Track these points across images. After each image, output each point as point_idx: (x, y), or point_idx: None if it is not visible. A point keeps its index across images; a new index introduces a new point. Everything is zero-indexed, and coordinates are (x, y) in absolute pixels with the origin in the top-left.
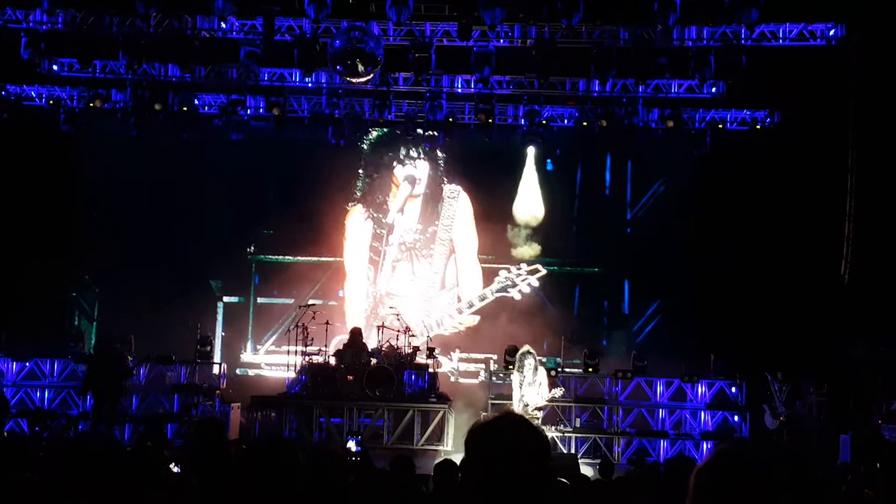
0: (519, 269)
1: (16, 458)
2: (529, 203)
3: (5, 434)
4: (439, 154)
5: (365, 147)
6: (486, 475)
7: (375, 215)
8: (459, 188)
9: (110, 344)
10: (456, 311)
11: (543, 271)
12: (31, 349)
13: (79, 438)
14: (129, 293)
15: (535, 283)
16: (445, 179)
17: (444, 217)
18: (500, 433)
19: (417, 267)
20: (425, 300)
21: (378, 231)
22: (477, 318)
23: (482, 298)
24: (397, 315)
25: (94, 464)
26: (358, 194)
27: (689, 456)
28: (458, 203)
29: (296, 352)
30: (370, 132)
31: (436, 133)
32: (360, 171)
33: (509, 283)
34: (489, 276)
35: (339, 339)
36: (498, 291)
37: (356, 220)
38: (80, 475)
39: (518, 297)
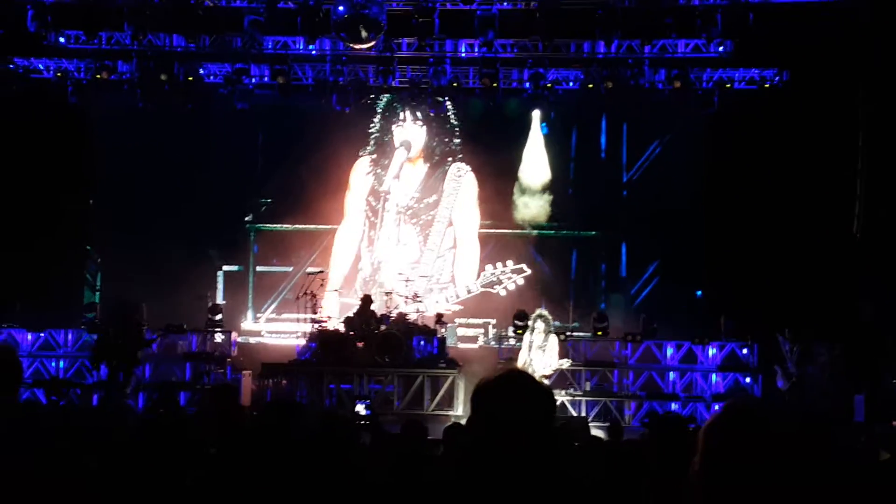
0: (505, 266)
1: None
2: (536, 166)
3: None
4: (450, 119)
5: (378, 107)
6: (491, 432)
7: (379, 172)
8: (468, 168)
9: (124, 312)
10: (445, 299)
11: (528, 271)
12: (45, 319)
13: (94, 407)
14: (131, 263)
15: (521, 282)
16: (450, 149)
17: (447, 195)
18: (505, 390)
19: (404, 233)
20: (408, 267)
21: (377, 187)
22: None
23: (468, 291)
24: (406, 281)
25: (109, 431)
26: (368, 149)
27: (674, 412)
28: (463, 183)
29: (305, 319)
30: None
31: (440, 98)
32: (372, 129)
33: (495, 279)
34: (487, 242)
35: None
36: (484, 286)
37: (360, 171)
38: (97, 443)
39: (503, 293)
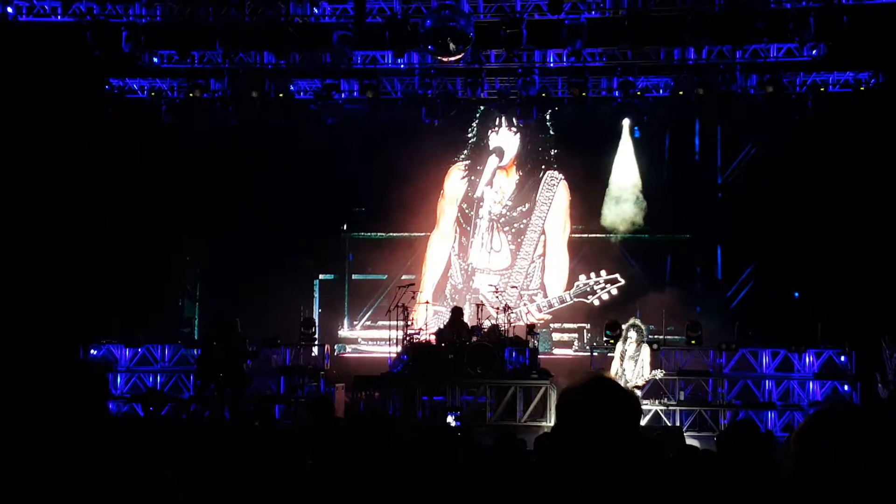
0: (598, 277)
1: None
2: (627, 173)
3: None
4: (546, 129)
5: (477, 114)
6: (576, 438)
7: (473, 179)
8: (561, 177)
9: (224, 326)
10: (535, 308)
11: (622, 282)
12: (143, 335)
13: (190, 420)
14: (229, 274)
15: (614, 293)
16: (542, 158)
17: (541, 203)
18: (590, 396)
19: (497, 241)
20: (499, 275)
21: (470, 194)
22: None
23: (562, 301)
24: (496, 292)
25: (206, 444)
26: (462, 156)
27: (748, 420)
28: (557, 192)
29: (396, 327)
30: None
31: (529, 109)
32: (470, 136)
33: (588, 289)
34: (580, 248)
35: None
36: (577, 296)
37: (454, 177)
38: (194, 456)
39: (596, 303)
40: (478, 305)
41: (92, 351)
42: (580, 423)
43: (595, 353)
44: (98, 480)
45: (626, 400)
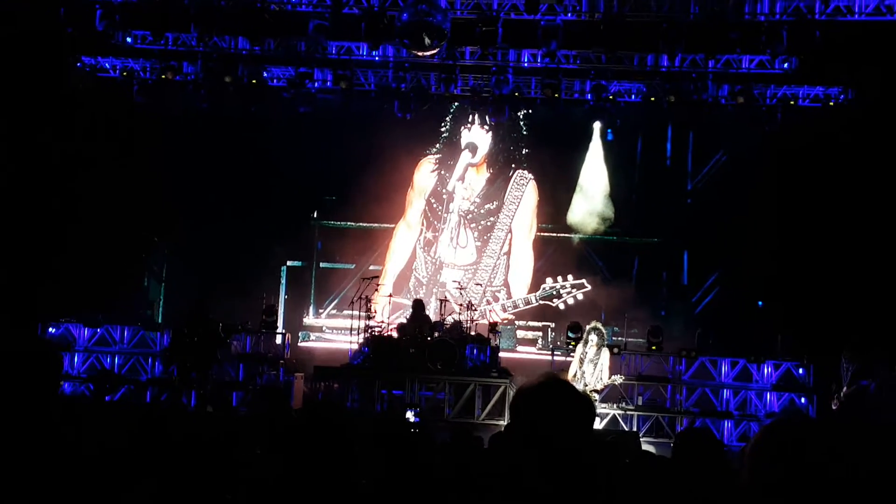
0: (565, 280)
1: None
2: (596, 176)
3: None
4: (519, 128)
5: (451, 109)
6: (529, 438)
7: (443, 173)
8: (531, 176)
9: (200, 313)
10: (500, 307)
11: (588, 287)
12: (103, 315)
13: (146, 404)
14: (197, 256)
15: (580, 297)
16: (513, 157)
17: (509, 202)
18: (543, 397)
19: (463, 237)
20: (467, 271)
21: (439, 189)
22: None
23: (527, 303)
24: (460, 289)
25: (159, 428)
26: (434, 150)
27: (703, 428)
28: (526, 191)
29: (358, 318)
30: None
31: (501, 107)
32: (443, 130)
33: (554, 292)
34: (544, 247)
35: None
36: (543, 299)
37: (425, 170)
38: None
39: (562, 307)
40: (441, 301)
41: (50, 329)
42: (533, 424)
43: (557, 355)
44: (47, 462)
45: (578, 402)
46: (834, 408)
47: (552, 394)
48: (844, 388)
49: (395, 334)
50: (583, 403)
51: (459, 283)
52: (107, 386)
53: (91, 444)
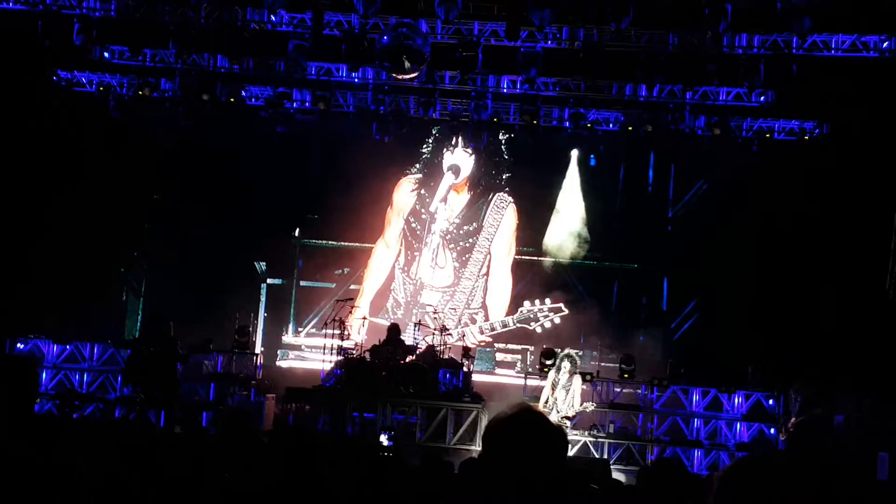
0: (543, 304)
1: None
2: (572, 204)
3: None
4: (501, 152)
5: (434, 130)
6: (501, 471)
7: (423, 194)
8: (510, 200)
9: (158, 329)
10: (477, 330)
11: (566, 311)
12: (72, 332)
13: (117, 422)
14: (176, 272)
15: (557, 321)
16: (494, 181)
17: (488, 225)
18: (516, 429)
19: (441, 258)
20: (444, 293)
21: (419, 208)
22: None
23: (504, 325)
24: (435, 313)
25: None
26: (414, 169)
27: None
28: (506, 214)
29: (332, 341)
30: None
31: (480, 132)
32: (424, 151)
33: (531, 316)
34: (524, 270)
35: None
36: (520, 322)
37: (404, 189)
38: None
39: (539, 330)
40: (415, 324)
41: (19, 345)
42: (504, 456)
43: (528, 380)
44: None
45: (551, 435)
46: (782, 438)
47: (524, 426)
48: (793, 419)
49: (367, 357)
50: (555, 435)
51: (434, 308)
52: (75, 403)
53: (59, 463)
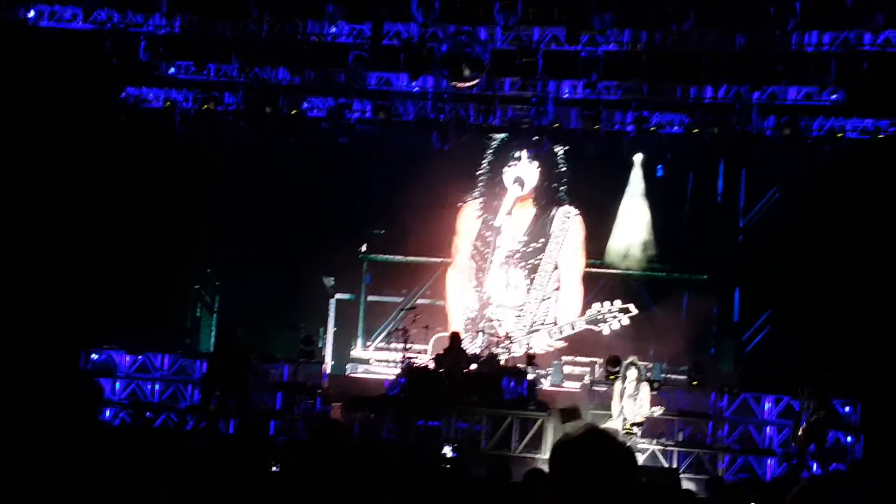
0: (612, 305)
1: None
2: (636, 211)
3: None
4: (554, 160)
5: (490, 149)
6: (569, 494)
7: (486, 216)
8: (576, 212)
9: (233, 341)
10: (546, 334)
11: (634, 311)
12: (145, 343)
13: (187, 433)
14: (247, 287)
15: (626, 322)
16: (556, 195)
17: (555, 238)
18: (584, 451)
19: (513, 277)
20: (518, 311)
21: (484, 232)
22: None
23: (573, 328)
24: (498, 323)
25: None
26: (475, 194)
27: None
28: (572, 226)
29: (399, 350)
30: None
31: (540, 138)
32: (481, 172)
33: (600, 317)
34: (591, 282)
35: (437, 337)
36: (589, 323)
37: (469, 216)
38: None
39: (607, 332)
40: (478, 332)
41: (93, 356)
42: (574, 479)
43: (593, 388)
44: (87, 488)
45: (620, 456)
46: (793, 452)
47: (593, 447)
48: (803, 425)
49: (431, 365)
50: (624, 458)
51: (508, 333)
52: (147, 414)
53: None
